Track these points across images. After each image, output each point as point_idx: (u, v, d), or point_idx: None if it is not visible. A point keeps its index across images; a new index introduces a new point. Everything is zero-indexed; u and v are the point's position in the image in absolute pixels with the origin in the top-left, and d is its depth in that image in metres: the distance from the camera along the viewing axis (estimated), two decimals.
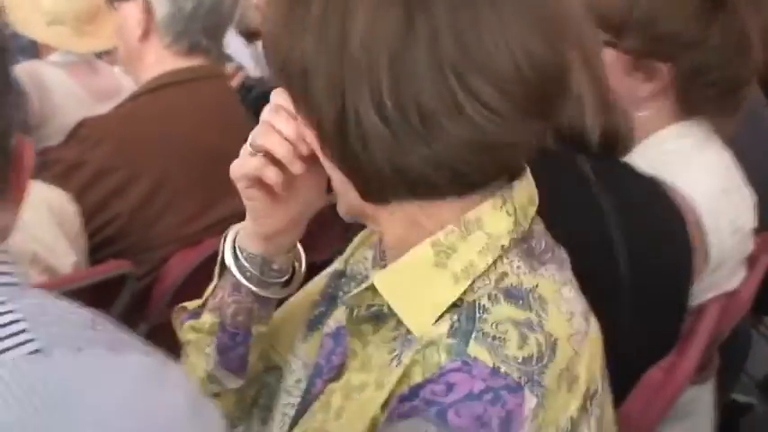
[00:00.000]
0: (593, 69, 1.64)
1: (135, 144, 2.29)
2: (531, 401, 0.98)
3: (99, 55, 3.61)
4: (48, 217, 2.08)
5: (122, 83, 3.36)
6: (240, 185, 1.21)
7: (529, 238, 1.10)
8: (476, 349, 1.00)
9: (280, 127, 1.14)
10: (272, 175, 1.17)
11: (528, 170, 1.13)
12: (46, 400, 0.79)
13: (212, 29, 2.42)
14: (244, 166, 1.19)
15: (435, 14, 0.99)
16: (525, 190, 1.11)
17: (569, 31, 1.09)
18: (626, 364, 1.57)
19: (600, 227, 1.62)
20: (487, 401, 0.97)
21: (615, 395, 1.48)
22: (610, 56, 1.97)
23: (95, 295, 2.15)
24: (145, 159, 2.28)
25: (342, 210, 1.17)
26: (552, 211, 1.51)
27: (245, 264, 1.29)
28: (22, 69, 3.27)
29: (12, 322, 0.83)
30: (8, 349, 0.81)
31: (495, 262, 1.06)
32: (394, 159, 1.03)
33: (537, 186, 1.33)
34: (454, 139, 1.01)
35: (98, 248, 2.27)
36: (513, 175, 1.10)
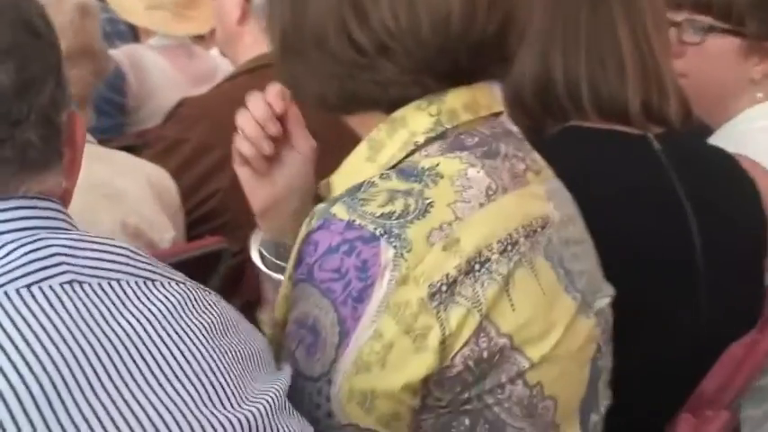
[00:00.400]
0: (641, 42, 1.69)
1: (232, 122, 2.33)
2: (387, 251, 1.08)
3: (195, 39, 3.68)
4: (149, 193, 2.13)
5: (219, 66, 3.42)
6: (234, 163, 1.38)
7: (459, 133, 1.20)
8: (336, 209, 1.12)
9: (251, 108, 1.34)
10: (245, 150, 1.35)
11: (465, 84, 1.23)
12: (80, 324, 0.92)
13: None
14: (234, 142, 1.37)
15: None
16: (460, 98, 1.21)
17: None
18: (707, 346, 1.59)
19: (678, 217, 1.67)
20: (344, 252, 1.08)
21: (699, 374, 1.49)
22: (721, 43, 1.99)
23: (192, 270, 2.18)
24: None
25: None
26: (630, 200, 1.56)
27: (264, 252, 1.35)
28: (121, 53, 3.36)
29: (52, 255, 0.96)
30: (48, 277, 0.94)
31: (409, 154, 1.19)
32: (287, 71, 1.27)
33: (612, 170, 1.41)
34: (317, 66, 1.20)
35: (195, 225, 2.32)
36: (456, 82, 1.21)
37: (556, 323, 1.19)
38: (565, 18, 1.73)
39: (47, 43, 1.07)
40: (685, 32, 1.94)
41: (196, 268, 2.18)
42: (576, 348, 1.24)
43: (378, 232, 1.09)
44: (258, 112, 1.34)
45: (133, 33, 4.17)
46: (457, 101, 1.21)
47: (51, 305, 0.92)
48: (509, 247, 1.14)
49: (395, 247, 1.08)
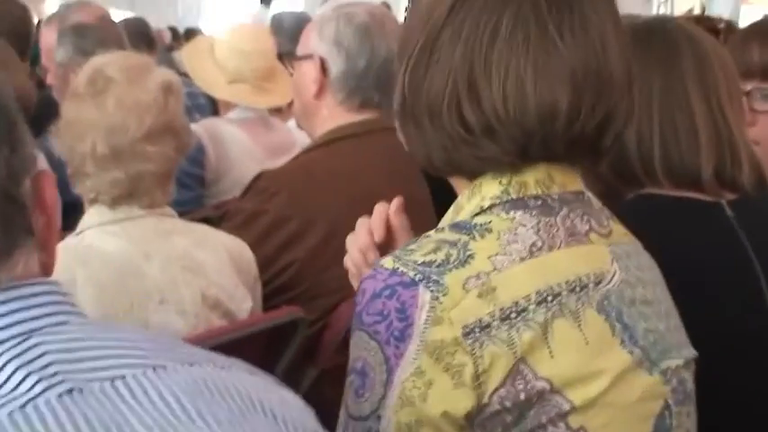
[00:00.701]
0: (715, 111, 1.73)
1: (309, 194, 2.39)
2: (425, 294, 1.18)
3: (273, 111, 3.76)
4: (228, 265, 2.18)
5: (296, 138, 3.49)
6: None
7: (524, 200, 1.27)
8: (385, 260, 1.23)
9: (357, 235, 1.51)
10: (351, 268, 1.52)
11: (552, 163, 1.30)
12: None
13: (384, 84, 2.50)
14: (345, 261, 1.53)
15: (465, 22, 1.25)
16: (533, 175, 1.29)
17: (607, 87, 1.28)
18: None
19: (752, 283, 1.70)
20: (386, 296, 1.19)
21: None
22: None
23: (269, 340, 2.24)
24: (318, 208, 2.36)
25: None
26: (704, 268, 1.58)
27: None
28: (201, 127, 3.44)
29: (45, 366, 0.86)
30: (43, 391, 0.84)
31: (476, 215, 1.27)
32: (404, 131, 1.34)
33: (685, 238, 1.57)
34: (433, 137, 1.28)
35: (273, 295, 2.36)
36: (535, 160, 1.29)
37: (603, 372, 1.24)
38: (638, 88, 1.76)
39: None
40: (755, 101, 1.95)
41: (273, 338, 2.22)
42: (632, 401, 1.27)
43: (417, 278, 1.18)
44: (361, 240, 1.49)
45: (213, 107, 4.27)
46: (530, 176, 1.29)
47: (47, 425, 0.82)
48: (549, 298, 1.21)
49: (431, 291, 1.18)
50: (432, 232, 1.26)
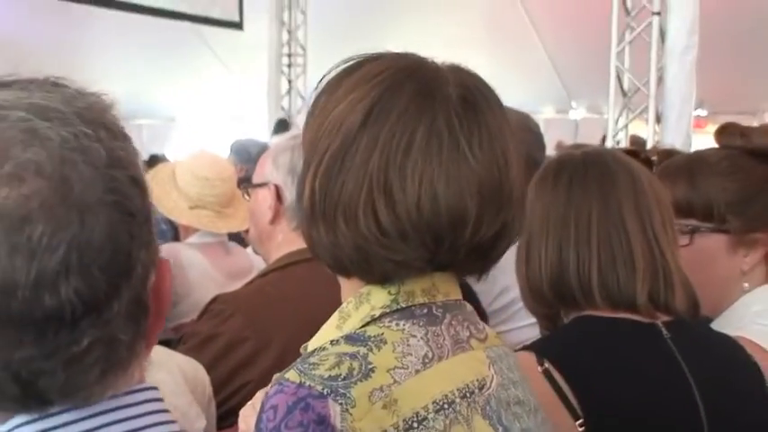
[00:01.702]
0: (650, 237, 1.82)
1: (264, 316, 2.44)
2: (335, 407, 1.21)
3: (231, 238, 3.83)
4: (183, 385, 2.22)
5: (254, 262, 3.55)
6: None
7: (411, 309, 1.34)
8: (289, 374, 1.26)
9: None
10: None
11: (433, 273, 1.37)
12: None
13: None
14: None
15: (384, 127, 1.29)
16: (420, 284, 1.36)
17: (505, 196, 1.35)
18: None
19: (686, 398, 1.76)
20: (301, 409, 1.22)
21: None
22: (709, 242, 2.11)
23: None
24: (272, 331, 2.42)
25: None
26: (638, 378, 1.65)
27: None
28: (162, 251, 3.49)
29: None
30: None
31: (366, 325, 1.33)
32: (310, 235, 1.37)
33: (624, 359, 1.64)
34: (342, 237, 1.31)
35: (227, 416, 2.38)
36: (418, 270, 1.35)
37: None
38: (577, 214, 1.85)
39: (140, 218, 1.01)
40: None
41: None
42: None
43: (325, 391, 1.23)
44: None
45: (174, 231, 4.34)
46: (417, 286, 1.36)
47: None
48: (445, 406, 1.29)
49: (340, 404, 1.22)
50: (328, 344, 1.30)
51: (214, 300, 2.55)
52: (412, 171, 1.29)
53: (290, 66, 11.83)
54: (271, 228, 2.63)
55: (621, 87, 8.04)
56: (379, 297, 1.35)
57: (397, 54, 1.41)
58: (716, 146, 2.26)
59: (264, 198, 2.62)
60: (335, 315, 1.39)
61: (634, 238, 1.81)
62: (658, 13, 7.39)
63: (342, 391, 1.23)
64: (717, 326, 2.06)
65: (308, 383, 1.23)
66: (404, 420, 1.24)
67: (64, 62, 14.45)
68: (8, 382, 0.93)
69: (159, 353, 2.24)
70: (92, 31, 14.17)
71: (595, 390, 1.71)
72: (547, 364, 1.73)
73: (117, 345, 0.97)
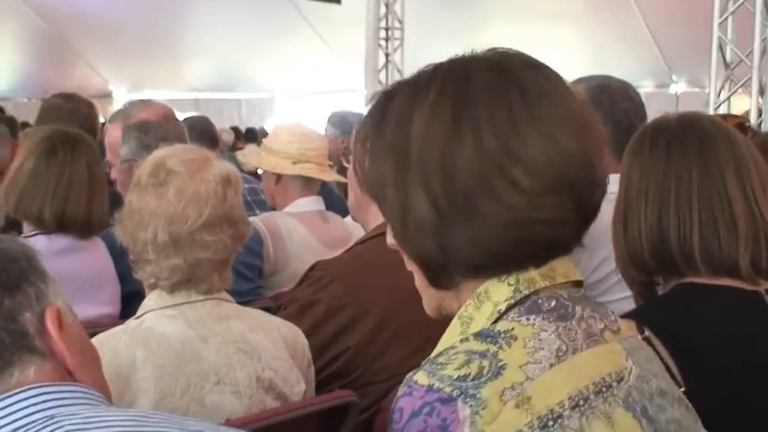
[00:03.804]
0: (751, 201, 1.79)
1: (362, 283, 2.45)
2: (464, 410, 1.19)
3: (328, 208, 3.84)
4: (283, 349, 2.25)
5: (352, 231, 3.55)
6: None
7: (537, 297, 1.31)
8: (418, 375, 1.23)
9: None
10: None
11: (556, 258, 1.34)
12: None
13: None
14: None
15: (477, 114, 1.28)
16: (536, 270, 1.32)
17: (595, 130, 1.35)
18: None
19: None
20: (426, 414, 1.20)
21: None
22: None
23: (321, 424, 2.28)
24: (371, 297, 2.43)
25: (427, 309, 1.42)
26: (741, 349, 1.62)
27: None
28: (260, 220, 3.52)
29: None
30: None
31: (495, 321, 1.29)
32: (442, 242, 1.29)
33: (727, 330, 1.66)
34: (490, 218, 1.27)
35: (326, 382, 2.42)
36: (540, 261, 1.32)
37: None
38: (677, 177, 1.81)
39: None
40: None
41: (325, 422, 2.27)
42: None
43: (455, 393, 1.20)
44: None
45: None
46: (534, 272, 1.32)
47: None
48: (581, 402, 1.23)
49: (470, 406, 1.19)
50: (457, 343, 1.27)
51: (314, 266, 2.57)
52: (526, 130, 1.28)
53: (387, 39, 11.82)
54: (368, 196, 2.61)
55: (724, 59, 7.86)
56: (499, 291, 1.32)
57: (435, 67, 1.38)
58: None
59: None
60: (455, 322, 1.34)
61: (735, 201, 1.78)
62: None
63: (472, 391, 1.20)
64: None
65: (436, 385, 1.21)
66: (538, 418, 1.20)
67: (160, 39, 14.81)
68: None
69: (259, 318, 2.26)
70: (188, 6, 14.37)
71: (697, 361, 1.68)
72: (647, 332, 1.70)
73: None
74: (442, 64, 1.37)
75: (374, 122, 1.37)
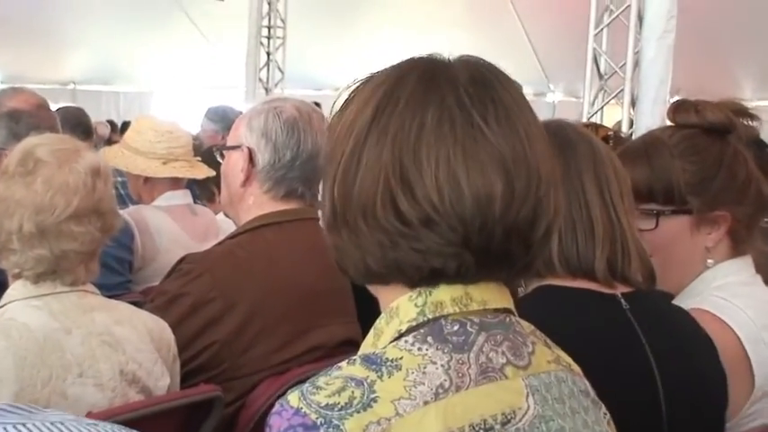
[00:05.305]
0: (609, 206, 1.83)
1: (231, 277, 2.46)
2: None
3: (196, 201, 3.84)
4: (148, 342, 2.24)
5: (220, 224, 3.56)
6: None
7: (440, 322, 1.28)
8: (292, 396, 1.22)
9: None
10: None
11: (465, 279, 1.30)
12: None
13: (308, 176, 2.60)
14: None
15: (389, 122, 1.27)
16: (449, 293, 1.29)
17: (530, 171, 1.29)
18: None
19: (643, 368, 1.78)
20: None
21: None
22: (673, 224, 2.14)
23: (186, 418, 2.29)
24: (240, 291, 2.44)
25: None
26: (598, 347, 1.67)
27: None
28: (128, 213, 3.50)
29: None
30: None
31: (394, 340, 1.28)
32: (337, 242, 1.32)
33: (582, 330, 1.61)
34: (365, 237, 1.28)
35: (192, 375, 2.41)
36: (450, 278, 1.29)
37: None
38: None
39: None
40: (640, 222, 2.07)
41: (190, 416, 2.27)
42: None
43: (319, 422, 1.18)
44: None
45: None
46: (445, 294, 1.29)
47: None
48: None
49: None
50: (344, 363, 1.25)
51: (183, 259, 2.56)
52: (427, 153, 1.25)
53: (269, 38, 11.76)
54: (242, 190, 2.64)
55: (598, 70, 8.04)
56: (406, 310, 1.29)
57: (407, 59, 1.36)
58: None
59: (237, 161, 2.63)
60: (371, 332, 1.33)
61: (593, 205, 1.82)
62: None
63: (336, 422, 1.18)
64: (678, 301, 2.09)
65: (304, 410, 1.19)
66: None
67: (38, 28, 14.46)
68: None
69: (125, 311, 2.25)
70: None
71: None
72: None
73: None
74: (404, 61, 1.35)
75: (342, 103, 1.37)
